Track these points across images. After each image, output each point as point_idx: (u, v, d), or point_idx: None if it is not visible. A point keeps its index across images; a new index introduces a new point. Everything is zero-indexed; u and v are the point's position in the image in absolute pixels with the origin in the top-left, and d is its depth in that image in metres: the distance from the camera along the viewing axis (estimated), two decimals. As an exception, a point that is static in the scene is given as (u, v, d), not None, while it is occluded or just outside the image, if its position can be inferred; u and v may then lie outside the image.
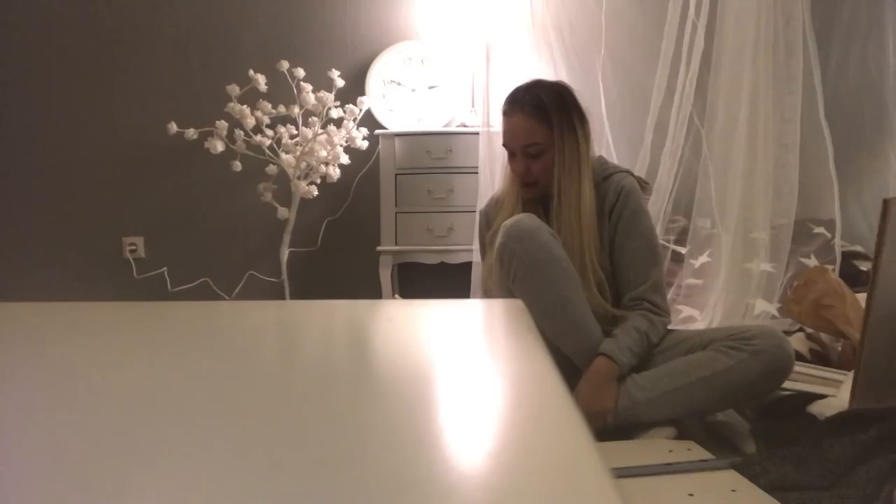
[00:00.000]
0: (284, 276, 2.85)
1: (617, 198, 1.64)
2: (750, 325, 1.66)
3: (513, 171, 1.67)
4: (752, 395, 1.54)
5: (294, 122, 2.69)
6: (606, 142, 2.61)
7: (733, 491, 1.20)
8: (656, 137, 2.56)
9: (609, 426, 1.48)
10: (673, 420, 1.51)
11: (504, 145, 1.68)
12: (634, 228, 1.63)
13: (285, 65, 2.64)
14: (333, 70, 2.70)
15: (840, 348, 1.89)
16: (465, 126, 2.81)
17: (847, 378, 1.56)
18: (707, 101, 2.46)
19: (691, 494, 1.18)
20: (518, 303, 0.74)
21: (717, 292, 2.28)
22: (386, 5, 2.98)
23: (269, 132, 2.66)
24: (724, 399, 1.52)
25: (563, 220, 1.61)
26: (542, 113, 1.62)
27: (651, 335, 1.57)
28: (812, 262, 2.34)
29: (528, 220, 1.56)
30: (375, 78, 2.86)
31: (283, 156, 2.67)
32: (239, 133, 2.64)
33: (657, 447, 1.40)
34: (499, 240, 1.55)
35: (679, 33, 2.50)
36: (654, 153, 2.56)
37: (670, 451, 1.38)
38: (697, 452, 1.37)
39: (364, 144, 2.75)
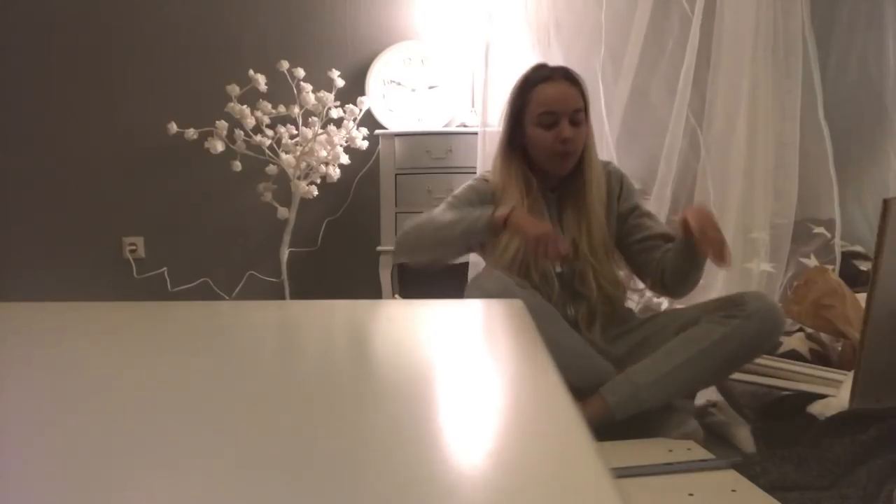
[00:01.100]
0: (284, 276, 2.85)
1: (620, 186, 1.72)
2: (736, 293, 1.67)
3: (554, 140, 1.60)
4: (748, 357, 1.57)
5: (294, 122, 2.69)
6: (606, 142, 2.61)
7: (733, 491, 1.20)
8: (657, 137, 2.56)
9: (618, 421, 1.48)
10: (677, 399, 1.54)
11: (545, 113, 1.60)
12: (641, 206, 1.73)
13: (285, 65, 2.64)
14: (333, 70, 2.70)
15: (840, 348, 1.89)
16: (465, 126, 2.81)
17: (847, 378, 1.55)
18: (706, 101, 2.46)
19: (691, 494, 1.18)
20: (518, 303, 0.74)
21: (717, 292, 2.28)
22: (386, 5, 2.98)
23: (269, 132, 2.66)
24: (724, 367, 1.55)
25: (588, 196, 1.64)
26: (577, 83, 1.64)
27: None
28: (812, 262, 2.34)
29: (492, 282, 1.55)
30: (375, 78, 2.86)
31: (283, 156, 2.67)
32: (239, 133, 2.64)
33: (657, 447, 1.40)
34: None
35: (680, 33, 2.50)
36: (656, 153, 2.56)
37: (670, 450, 1.38)
38: (697, 452, 1.37)
39: (364, 144, 2.75)
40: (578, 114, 1.61)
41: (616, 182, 1.72)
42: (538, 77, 1.64)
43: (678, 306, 1.83)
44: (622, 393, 1.50)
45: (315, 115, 2.65)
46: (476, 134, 2.67)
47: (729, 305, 1.53)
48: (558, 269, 1.65)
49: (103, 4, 3.00)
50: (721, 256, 1.43)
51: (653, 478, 1.26)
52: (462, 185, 1.76)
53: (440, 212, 1.63)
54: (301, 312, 0.83)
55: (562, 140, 1.59)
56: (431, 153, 2.71)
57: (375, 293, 2.81)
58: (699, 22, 2.42)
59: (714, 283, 2.31)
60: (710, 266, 2.36)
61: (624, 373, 1.54)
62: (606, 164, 1.74)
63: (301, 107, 2.66)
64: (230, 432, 0.39)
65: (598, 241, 1.64)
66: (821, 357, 1.87)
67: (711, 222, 1.47)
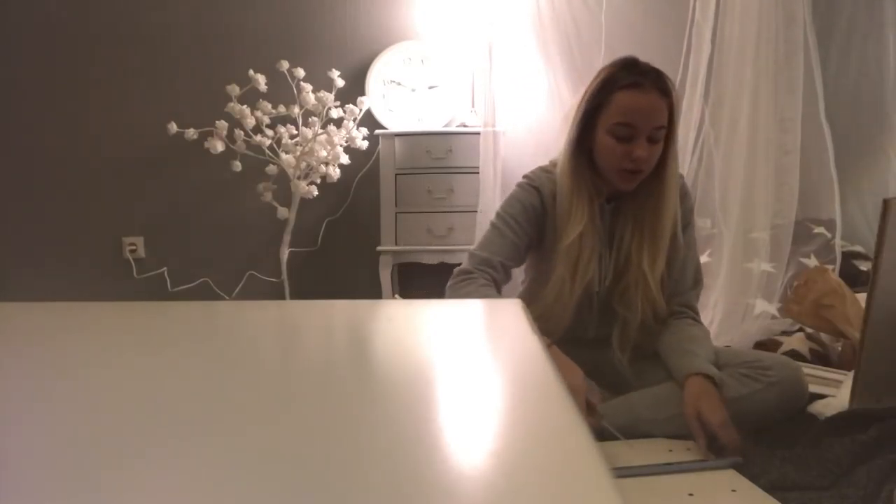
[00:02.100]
0: (284, 276, 2.85)
1: (681, 202, 1.55)
2: (765, 354, 1.61)
3: (623, 156, 1.42)
4: (761, 423, 1.47)
5: (294, 122, 2.69)
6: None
7: (733, 491, 1.20)
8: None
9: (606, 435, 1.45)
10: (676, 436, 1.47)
11: (622, 124, 1.41)
12: (691, 232, 1.59)
13: (285, 65, 2.64)
14: (333, 70, 2.70)
15: (840, 348, 1.89)
16: (465, 126, 2.81)
17: (847, 378, 1.55)
18: (709, 102, 2.46)
19: (691, 494, 1.18)
20: (518, 302, 0.74)
21: (717, 292, 2.28)
22: (386, 5, 2.98)
23: (269, 132, 2.66)
24: (734, 424, 1.45)
25: (660, 218, 1.48)
26: (668, 94, 1.43)
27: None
28: (812, 262, 2.34)
29: None
30: (375, 78, 2.86)
31: (283, 156, 2.67)
32: (239, 133, 2.64)
33: (657, 447, 1.40)
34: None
35: (687, 36, 2.50)
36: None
37: (670, 450, 1.38)
38: (697, 452, 1.37)
39: (364, 144, 2.75)
40: (659, 131, 1.42)
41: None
42: (625, 80, 1.42)
43: None
44: (620, 418, 1.46)
45: (315, 115, 2.65)
46: (477, 134, 2.67)
47: (753, 364, 1.46)
48: (596, 288, 1.54)
49: (103, 4, 3.00)
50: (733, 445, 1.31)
51: (653, 478, 1.26)
52: (509, 194, 1.60)
53: (481, 282, 1.49)
54: (301, 312, 0.83)
55: (632, 158, 1.41)
56: (431, 153, 2.71)
57: (375, 293, 2.81)
58: (710, 28, 2.42)
59: (714, 283, 2.31)
60: (710, 266, 2.36)
61: (627, 397, 1.50)
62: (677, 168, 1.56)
63: (301, 107, 2.65)
64: (230, 432, 0.39)
65: (659, 269, 1.49)
66: (821, 357, 1.87)
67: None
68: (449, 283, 1.53)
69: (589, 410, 1.34)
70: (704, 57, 2.44)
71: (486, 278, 1.50)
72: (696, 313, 1.59)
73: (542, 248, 1.58)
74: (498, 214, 1.57)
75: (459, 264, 1.56)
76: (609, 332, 1.57)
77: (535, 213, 1.54)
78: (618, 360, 1.55)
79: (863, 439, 1.27)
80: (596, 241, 1.51)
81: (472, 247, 1.58)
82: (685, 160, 2.48)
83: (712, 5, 2.44)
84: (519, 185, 1.59)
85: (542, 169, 1.59)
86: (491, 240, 1.54)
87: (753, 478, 1.24)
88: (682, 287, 1.58)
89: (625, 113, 1.41)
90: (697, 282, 1.62)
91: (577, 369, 1.40)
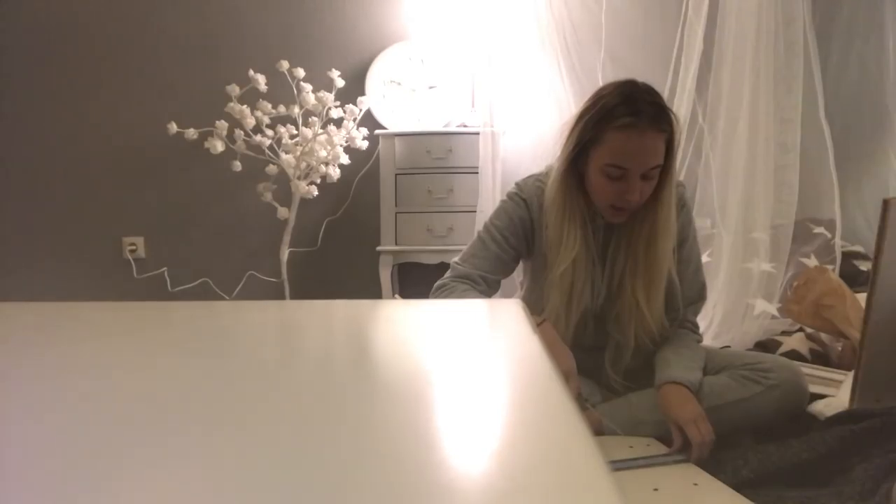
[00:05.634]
0: (284, 276, 2.85)
1: (678, 215, 1.51)
2: (765, 356, 1.61)
3: (615, 195, 1.39)
4: (761, 426, 1.48)
5: (294, 122, 2.69)
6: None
7: (695, 485, 1.23)
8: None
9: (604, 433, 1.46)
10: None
11: (614, 166, 1.36)
12: (691, 247, 1.56)
13: (285, 65, 2.64)
14: (333, 70, 2.70)
15: (840, 348, 1.89)
16: (465, 126, 2.81)
17: (847, 378, 1.56)
18: (708, 101, 2.46)
19: (656, 489, 1.20)
20: (518, 302, 0.74)
21: (717, 292, 2.28)
22: (386, 5, 2.98)
23: (269, 132, 2.66)
24: (735, 426, 1.45)
25: (655, 243, 1.44)
26: (666, 127, 1.37)
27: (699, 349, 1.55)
28: (812, 262, 2.34)
29: None
30: (375, 78, 2.86)
31: (283, 156, 2.67)
32: (239, 133, 2.64)
33: (617, 444, 1.41)
34: None
35: (680, 33, 2.50)
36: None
37: (630, 447, 1.39)
38: (656, 448, 1.38)
39: (364, 144, 2.75)
40: (654, 170, 1.37)
41: (678, 208, 1.51)
42: (620, 118, 1.34)
43: (703, 344, 1.68)
44: (620, 419, 1.46)
45: (315, 115, 2.65)
46: (476, 134, 2.67)
47: (754, 366, 1.46)
48: (589, 306, 1.52)
49: (103, 4, 3.00)
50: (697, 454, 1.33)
51: (616, 473, 1.27)
52: (499, 204, 1.58)
53: (467, 285, 1.49)
54: (301, 312, 0.83)
55: (624, 199, 1.38)
56: (431, 153, 2.71)
57: (375, 293, 2.81)
58: (703, 26, 2.42)
59: (714, 283, 2.31)
60: (710, 266, 2.35)
61: (627, 398, 1.50)
62: (679, 189, 1.50)
63: (301, 107, 2.65)
64: (230, 432, 0.39)
65: (655, 301, 1.46)
66: (821, 357, 1.87)
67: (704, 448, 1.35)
68: (430, 296, 1.54)
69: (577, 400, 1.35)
70: (696, 55, 2.44)
71: (465, 286, 1.50)
72: (693, 325, 1.59)
73: (532, 259, 1.58)
74: (485, 226, 1.56)
75: None
76: (606, 341, 1.57)
77: (522, 226, 1.53)
78: (613, 380, 1.55)
79: (854, 428, 1.28)
80: (589, 264, 1.49)
81: (457, 257, 1.57)
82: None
83: (705, 3, 2.44)
84: (508, 196, 1.57)
85: (535, 177, 1.56)
86: (474, 253, 1.54)
87: (736, 469, 1.25)
88: (682, 301, 1.56)
89: (617, 155, 1.36)
90: (700, 297, 1.60)
91: (568, 353, 1.40)
